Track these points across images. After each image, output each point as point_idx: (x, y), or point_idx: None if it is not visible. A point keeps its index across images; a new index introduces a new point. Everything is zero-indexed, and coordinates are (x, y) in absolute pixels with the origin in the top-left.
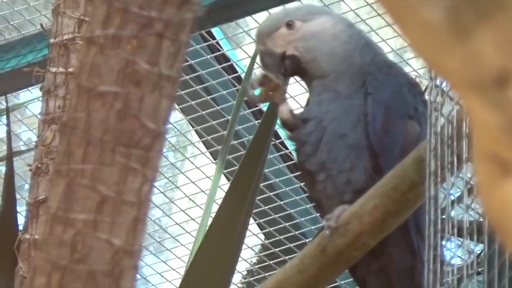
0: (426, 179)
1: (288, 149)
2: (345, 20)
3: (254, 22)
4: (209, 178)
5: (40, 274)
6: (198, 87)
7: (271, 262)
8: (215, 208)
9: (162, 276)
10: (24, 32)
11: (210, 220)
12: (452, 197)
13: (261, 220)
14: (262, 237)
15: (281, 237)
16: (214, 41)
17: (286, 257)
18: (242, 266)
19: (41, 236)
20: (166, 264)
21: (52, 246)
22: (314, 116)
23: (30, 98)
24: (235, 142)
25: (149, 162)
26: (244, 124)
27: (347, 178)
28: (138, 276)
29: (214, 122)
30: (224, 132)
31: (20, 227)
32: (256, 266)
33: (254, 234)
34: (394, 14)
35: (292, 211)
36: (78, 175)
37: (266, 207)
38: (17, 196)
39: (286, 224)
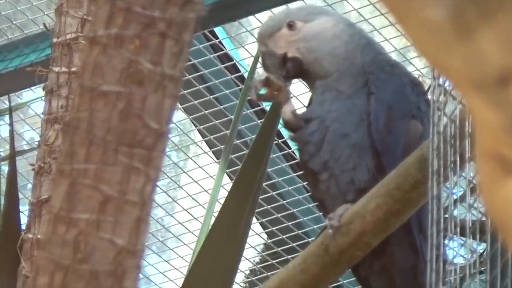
0: (428, 178)
1: (291, 148)
2: (345, 20)
3: (257, 21)
4: (211, 177)
5: (42, 274)
6: (201, 86)
7: (274, 261)
8: (218, 207)
9: (165, 276)
10: (27, 31)
11: (213, 220)
12: (455, 196)
13: (263, 220)
14: (265, 236)
15: (284, 236)
16: (217, 40)
17: (289, 257)
18: (245, 266)
19: (44, 236)
20: (168, 263)
21: (55, 246)
22: (317, 116)
23: (33, 97)
24: (238, 141)
25: (152, 161)
26: (247, 124)
27: (350, 178)
28: (140, 275)
29: (217, 121)
30: (227, 131)
31: (23, 227)
32: (258, 266)
33: (256, 234)
34: (397, 14)
35: (295, 210)
36: (81, 175)
37: (269, 206)
38: (20, 195)
39: (289, 223)
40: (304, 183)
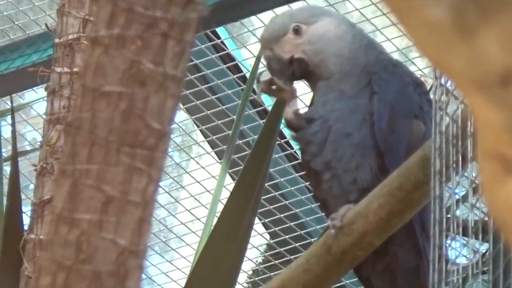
0: (431, 178)
1: (293, 148)
2: (346, 20)
3: (259, 21)
4: (214, 177)
5: (45, 274)
6: (203, 86)
7: (276, 261)
8: (220, 207)
9: (168, 276)
10: (29, 32)
11: (215, 220)
12: (457, 196)
13: (266, 220)
14: (268, 236)
15: (287, 236)
16: (219, 40)
17: (292, 257)
18: (247, 266)
19: (46, 236)
20: (171, 264)
21: (57, 246)
22: (320, 116)
23: (35, 98)
24: (240, 141)
25: (154, 162)
26: (249, 124)
27: (353, 178)
28: (143, 276)
29: (219, 121)
30: (229, 131)
31: (25, 227)
32: (261, 266)
33: (259, 234)
34: (398, 14)
35: (297, 210)
36: (83, 175)
37: (271, 206)
38: (22, 196)
39: (292, 223)
40: (307, 183)
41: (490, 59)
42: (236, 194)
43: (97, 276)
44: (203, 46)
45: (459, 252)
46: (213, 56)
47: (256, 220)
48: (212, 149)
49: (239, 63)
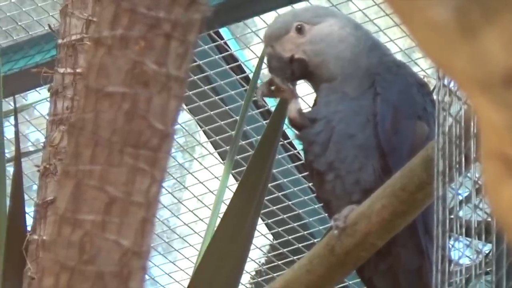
0: (434, 179)
1: (296, 149)
2: (351, 22)
3: (262, 22)
4: (217, 178)
5: (48, 275)
6: (206, 87)
7: (279, 262)
8: (223, 208)
9: (171, 277)
10: (32, 32)
11: (218, 221)
12: (460, 197)
13: (269, 221)
14: (271, 237)
15: (290, 237)
16: (222, 41)
17: (295, 257)
18: (250, 267)
19: (50, 237)
20: (174, 264)
21: (61, 247)
22: (323, 116)
23: (38, 98)
24: (243, 142)
25: (157, 162)
26: (252, 124)
27: (356, 178)
28: (146, 276)
29: (222, 122)
30: (232, 132)
31: (29, 228)
32: (264, 267)
33: (262, 235)
34: (401, 14)
35: (300, 211)
36: (86, 176)
37: (275, 207)
38: (26, 197)
39: (295, 224)
40: (310, 184)
41: (493, 59)
42: (239, 195)
43: (100, 277)
44: (206, 46)
45: (462, 252)
46: (216, 56)
47: (259, 220)
48: (215, 149)
49: (242, 64)
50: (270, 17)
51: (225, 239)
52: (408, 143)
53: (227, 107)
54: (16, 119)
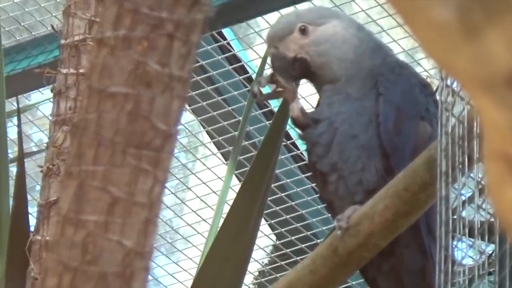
0: (437, 180)
1: (299, 149)
2: (354, 23)
3: (265, 22)
4: (220, 179)
5: (51, 276)
6: (209, 87)
7: (282, 262)
8: (226, 209)
9: (174, 277)
10: (35, 33)
11: (221, 221)
12: (463, 197)
13: (272, 221)
14: (274, 237)
15: (293, 237)
16: (225, 41)
17: (298, 258)
18: (253, 267)
19: (53, 238)
20: (177, 265)
21: (63, 248)
22: (326, 117)
23: (41, 99)
24: (246, 142)
25: (160, 163)
26: (255, 125)
27: (359, 179)
28: (149, 277)
29: (225, 123)
30: (235, 132)
31: (32, 228)
32: (267, 267)
33: (265, 235)
34: (404, 14)
35: (303, 211)
36: (89, 176)
37: (278, 207)
38: (29, 197)
39: (298, 224)
40: (313, 185)
41: (495, 59)
42: (242, 195)
43: (103, 277)
44: (209, 47)
45: (465, 253)
46: (219, 57)
47: (262, 221)
48: (218, 150)
49: (245, 64)
50: (273, 17)
51: (228, 239)
52: (411, 143)
53: (230, 108)
54: (19, 119)
